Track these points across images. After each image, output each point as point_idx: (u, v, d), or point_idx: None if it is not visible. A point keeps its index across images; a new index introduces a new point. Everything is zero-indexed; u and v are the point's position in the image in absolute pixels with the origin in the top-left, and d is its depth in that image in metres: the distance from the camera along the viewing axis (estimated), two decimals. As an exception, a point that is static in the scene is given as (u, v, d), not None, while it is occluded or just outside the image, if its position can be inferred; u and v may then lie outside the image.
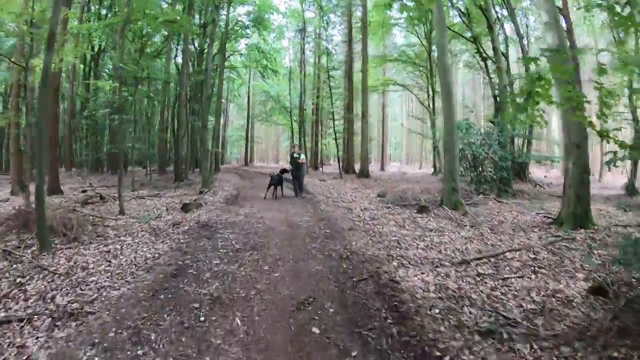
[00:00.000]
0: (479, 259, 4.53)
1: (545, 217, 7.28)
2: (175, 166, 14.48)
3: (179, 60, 18.55)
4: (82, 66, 20.30)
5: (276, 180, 10.05)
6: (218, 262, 4.25)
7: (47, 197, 10.61)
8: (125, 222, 6.67)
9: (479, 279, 3.82)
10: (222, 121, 38.59)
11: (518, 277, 3.85)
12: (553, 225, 6.35)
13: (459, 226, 6.57)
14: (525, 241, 5.36)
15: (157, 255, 4.52)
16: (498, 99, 14.80)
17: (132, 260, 4.33)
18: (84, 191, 12.08)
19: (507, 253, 4.72)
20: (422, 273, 3.98)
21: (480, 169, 11.43)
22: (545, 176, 20.52)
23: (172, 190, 11.64)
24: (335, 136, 19.71)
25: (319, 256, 4.52)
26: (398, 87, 26.78)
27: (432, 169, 23.23)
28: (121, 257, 4.49)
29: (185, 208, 7.35)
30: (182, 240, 5.18)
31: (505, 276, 3.89)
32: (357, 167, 21.35)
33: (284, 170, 10.47)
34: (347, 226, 6.28)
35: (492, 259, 4.52)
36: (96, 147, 19.73)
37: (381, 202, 9.49)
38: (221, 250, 4.70)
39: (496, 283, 3.70)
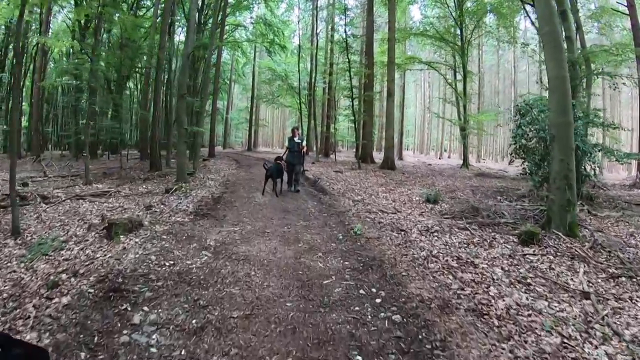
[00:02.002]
0: None
1: None
2: (150, 151, 11.15)
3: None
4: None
5: (273, 170, 7.39)
6: None
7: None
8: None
9: None
10: (225, 103, 35.45)
11: None
12: None
13: (610, 277, 3.44)
14: None
15: None
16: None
17: None
18: (24, 184, 9.08)
19: None
20: None
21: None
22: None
23: (136, 185, 8.39)
24: (355, 117, 16.13)
25: None
26: (419, 67, 23.04)
27: (462, 161, 19.78)
28: None
29: (111, 231, 3.98)
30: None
31: None
32: (375, 155, 18.01)
33: (279, 158, 7.90)
34: (430, 294, 2.91)
35: None
36: (75, 127, 16.53)
37: (439, 212, 6.22)
38: None
39: None
